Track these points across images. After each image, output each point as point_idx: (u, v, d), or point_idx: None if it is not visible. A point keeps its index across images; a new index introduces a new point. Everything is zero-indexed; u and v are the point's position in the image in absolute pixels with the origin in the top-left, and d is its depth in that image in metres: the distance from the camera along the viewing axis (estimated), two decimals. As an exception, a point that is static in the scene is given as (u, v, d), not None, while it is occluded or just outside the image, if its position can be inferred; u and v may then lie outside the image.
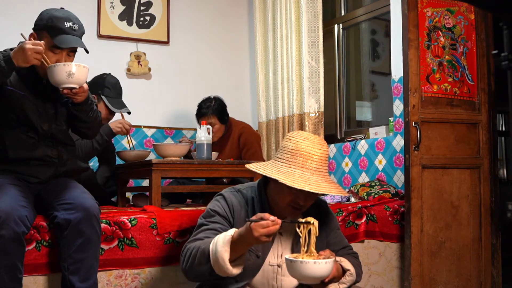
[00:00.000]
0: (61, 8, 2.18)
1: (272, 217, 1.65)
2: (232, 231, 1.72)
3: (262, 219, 1.65)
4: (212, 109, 3.58)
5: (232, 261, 1.68)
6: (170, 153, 2.82)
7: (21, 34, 2.09)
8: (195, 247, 1.78)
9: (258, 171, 1.84)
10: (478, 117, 2.96)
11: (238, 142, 3.62)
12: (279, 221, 1.66)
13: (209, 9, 4.53)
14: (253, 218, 1.67)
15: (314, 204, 2.02)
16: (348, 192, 3.33)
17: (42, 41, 1.99)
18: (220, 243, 1.68)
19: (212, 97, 3.67)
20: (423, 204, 2.75)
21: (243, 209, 1.91)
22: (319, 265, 1.65)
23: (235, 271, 1.68)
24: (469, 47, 3.00)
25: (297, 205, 1.83)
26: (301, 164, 1.79)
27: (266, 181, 1.95)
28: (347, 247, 2.06)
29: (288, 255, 1.74)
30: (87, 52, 2.15)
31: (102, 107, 3.08)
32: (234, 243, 1.68)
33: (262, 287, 1.88)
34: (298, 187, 1.72)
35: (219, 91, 3.86)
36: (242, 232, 1.68)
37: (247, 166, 1.90)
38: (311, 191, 1.73)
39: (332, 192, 1.78)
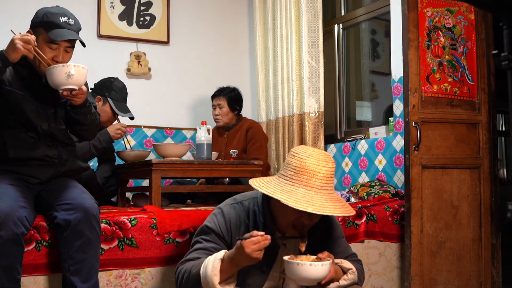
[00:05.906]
0: (56, 6, 2.18)
1: (260, 232, 1.67)
2: (222, 254, 1.73)
3: (251, 236, 1.67)
4: (225, 92, 3.72)
5: (224, 280, 1.70)
6: (170, 153, 2.82)
7: (11, 31, 2.06)
8: (186, 270, 1.80)
9: (261, 190, 1.76)
10: (478, 117, 2.96)
11: (246, 134, 3.67)
12: (269, 236, 1.68)
13: (209, 9, 4.53)
14: (244, 236, 1.70)
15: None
16: (348, 192, 3.33)
17: (33, 36, 1.97)
18: (210, 268, 1.69)
19: (232, 87, 3.80)
20: (423, 204, 2.75)
21: (243, 224, 1.87)
22: (315, 267, 1.68)
23: None
24: (469, 47, 2.99)
25: (302, 224, 1.78)
26: (305, 183, 1.72)
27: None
28: (352, 255, 2.04)
29: (286, 257, 1.75)
30: (84, 45, 2.13)
31: (108, 109, 3.09)
32: (225, 265, 1.69)
33: None
34: (301, 209, 1.66)
35: (219, 91, 3.85)
36: (233, 252, 1.69)
37: (250, 182, 1.82)
38: (314, 212, 1.67)
39: (336, 214, 1.72)
